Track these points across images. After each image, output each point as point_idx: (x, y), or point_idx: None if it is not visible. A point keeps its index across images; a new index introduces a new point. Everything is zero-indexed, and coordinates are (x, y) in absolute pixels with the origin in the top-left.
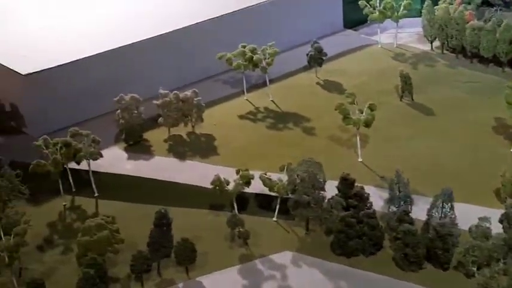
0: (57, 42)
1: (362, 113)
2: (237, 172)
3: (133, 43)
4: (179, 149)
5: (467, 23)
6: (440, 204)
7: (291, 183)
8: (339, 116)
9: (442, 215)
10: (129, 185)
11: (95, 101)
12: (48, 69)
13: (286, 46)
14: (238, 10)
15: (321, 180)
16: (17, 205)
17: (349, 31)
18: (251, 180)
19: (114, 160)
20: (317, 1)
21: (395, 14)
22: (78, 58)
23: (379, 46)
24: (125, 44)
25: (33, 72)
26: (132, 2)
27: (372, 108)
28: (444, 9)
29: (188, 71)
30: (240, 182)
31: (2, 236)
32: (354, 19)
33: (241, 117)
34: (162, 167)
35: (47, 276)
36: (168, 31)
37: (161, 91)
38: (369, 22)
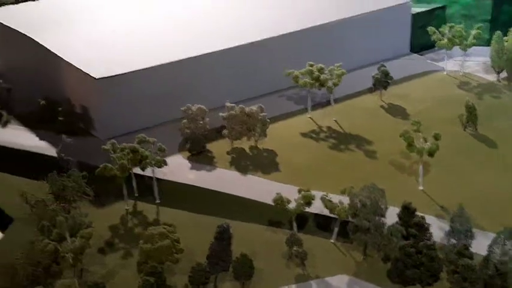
0: (131, 48)
1: (426, 141)
2: (299, 192)
3: (204, 54)
4: (241, 162)
5: None
6: (502, 241)
7: (352, 208)
8: (401, 142)
9: (503, 252)
10: (190, 194)
11: (161, 108)
12: (120, 74)
13: (352, 66)
14: (306, 28)
15: (383, 206)
16: (82, 206)
17: (415, 55)
18: (312, 201)
19: (177, 169)
20: (386, 24)
21: (464, 42)
22: (150, 65)
23: (445, 73)
24: (196, 54)
25: (106, 77)
26: (206, 15)
27: (436, 137)
28: None
29: (254, 84)
30: (302, 202)
31: (68, 237)
32: (421, 43)
33: (304, 135)
34: (223, 179)
35: (107, 279)
36: (237, 45)
37: (227, 104)
38: (436, 48)
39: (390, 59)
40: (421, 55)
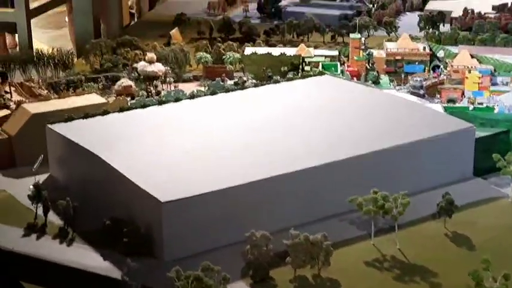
0: (198, 168)
1: (496, 281)
2: None
3: (272, 177)
4: None
5: None
6: None
7: None
8: (467, 276)
9: None
10: None
11: (224, 231)
12: (187, 198)
13: (415, 189)
14: (371, 152)
15: None
16: None
17: (479, 179)
18: None
19: None
20: (450, 148)
21: None
22: (217, 188)
23: (510, 200)
24: (264, 177)
25: (172, 200)
26: (271, 134)
27: (506, 277)
28: None
29: (316, 207)
30: None
31: None
32: (484, 167)
33: (367, 263)
34: None
35: None
36: (301, 168)
37: (292, 232)
38: (500, 173)
39: (454, 183)
40: (485, 179)
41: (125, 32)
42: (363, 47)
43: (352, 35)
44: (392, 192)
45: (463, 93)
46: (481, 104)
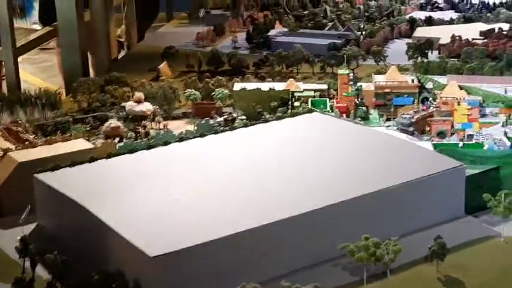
0: (189, 219)
1: None
2: None
3: (260, 226)
4: None
5: None
6: None
7: None
8: None
9: None
10: None
11: (215, 283)
12: (177, 251)
13: (406, 230)
14: (361, 195)
15: None
16: None
17: (470, 217)
18: None
19: None
20: (441, 187)
21: None
22: (208, 240)
23: (502, 240)
24: (252, 227)
25: (162, 254)
26: (258, 183)
27: None
28: None
29: (307, 253)
30: None
31: None
32: (475, 205)
33: None
34: None
35: None
36: (292, 215)
37: (283, 284)
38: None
39: (445, 222)
40: (476, 217)
41: (114, 66)
42: (351, 82)
43: (340, 71)
44: (384, 235)
45: (452, 126)
46: (472, 136)
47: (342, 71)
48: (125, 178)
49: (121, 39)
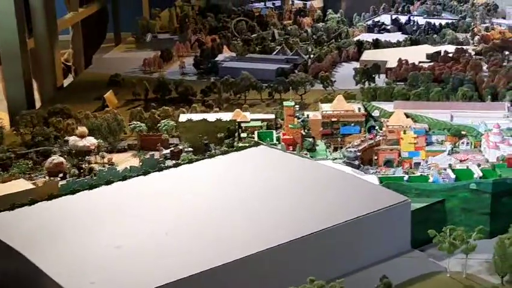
0: (131, 266)
1: None
2: None
3: (201, 272)
4: None
5: None
6: None
7: None
8: None
9: None
10: None
11: None
12: None
13: (352, 267)
14: (303, 236)
15: None
16: None
17: (417, 252)
18: None
19: None
20: (387, 223)
21: (465, 246)
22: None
23: (448, 275)
24: (193, 273)
25: None
26: (200, 225)
27: None
28: None
29: None
30: None
31: None
32: (421, 239)
33: None
34: None
35: None
36: (234, 259)
37: None
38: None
39: (391, 258)
40: (422, 251)
41: (60, 94)
42: (297, 114)
43: (285, 103)
44: (329, 275)
45: (399, 154)
46: (419, 164)
47: (287, 103)
48: (66, 221)
49: (68, 63)
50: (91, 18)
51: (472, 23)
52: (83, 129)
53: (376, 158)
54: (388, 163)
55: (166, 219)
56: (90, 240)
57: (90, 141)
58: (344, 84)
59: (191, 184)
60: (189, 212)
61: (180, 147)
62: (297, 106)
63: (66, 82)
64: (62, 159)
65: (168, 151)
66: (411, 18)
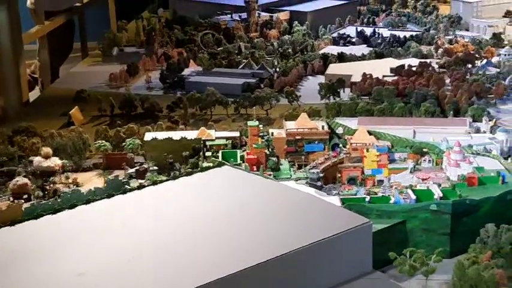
0: None
1: None
2: None
3: None
4: None
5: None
6: None
7: None
8: None
9: None
10: None
11: None
12: None
13: None
14: (264, 262)
15: None
16: None
17: (378, 273)
18: None
19: None
20: (349, 245)
21: (425, 268)
22: None
23: None
24: None
25: None
26: (161, 252)
27: None
28: (475, 270)
29: None
30: None
31: None
32: (383, 259)
33: None
34: None
35: None
36: (199, 284)
37: None
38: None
39: (353, 279)
40: (384, 271)
41: (26, 110)
42: (261, 133)
43: (249, 122)
44: None
45: (363, 172)
46: (382, 181)
47: (251, 122)
48: (29, 249)
49: (34, 75)
50: (57, 29)
51: (436, 36)
52: (47, 149)
53: (339, 175)
54: (352, 181)
55: (129, 245)
56: (52, 267)
57: (55, 162)
58: (309, 98)
59: (155, 208)
60: (153, 236)
61: (146, 166)
62: (261, 125)
63: (33, 94)
64: (26, 180)
65: (133, 170)
66: (376, 30)
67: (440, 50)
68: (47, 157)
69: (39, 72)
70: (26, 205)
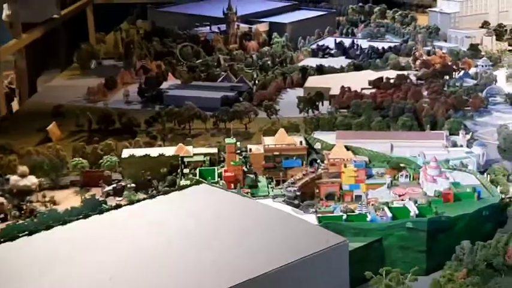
0: None
1: None
2: None
3: None
4: None
5: None
6: None
7: None
8: None
9: None
10: None
11: None
12: None
13: None
14: (240, 283)
15: None
16: None
17: None
18: None
19: None
20: (323, 264)
21: (402, 287)
22: None
23: None
24: None
25: None
26: (137, 273)
27: None
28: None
29: None
30: None
31: None
32: (360, 277)
33: None
34: None
35: None
36: None
37: None
38: None
39: None
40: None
41: (4, 126)
42: (239, 149)
43: (227, 140)
44: None
45: (341, 187)
46: (360, 196)
47: (229, 140)
48: (3, 272)
49: (12, 86)
50: (35, 41)
51: (414, 47)
52: (24, 168)
53: (317, 191)
54: (330, 196)
55: (106, 267)
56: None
57: (31, 181)
58: (288, 111)
59: (132, 228)
60: (132, 256)
61: (123, 183)
62: (238, 142)
63: (13, 105)
64: (2, 199)
65: (111, 188)
66: (355, 41)
67: (418, 62)
68: (23, 176)
69: (16, 82)
70: (1, 225)
